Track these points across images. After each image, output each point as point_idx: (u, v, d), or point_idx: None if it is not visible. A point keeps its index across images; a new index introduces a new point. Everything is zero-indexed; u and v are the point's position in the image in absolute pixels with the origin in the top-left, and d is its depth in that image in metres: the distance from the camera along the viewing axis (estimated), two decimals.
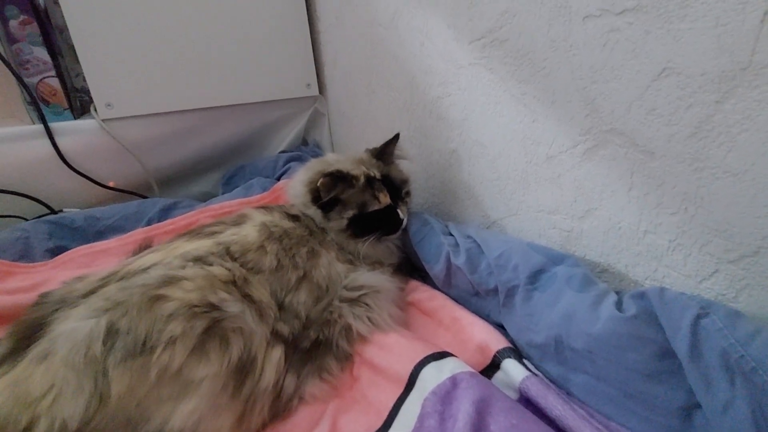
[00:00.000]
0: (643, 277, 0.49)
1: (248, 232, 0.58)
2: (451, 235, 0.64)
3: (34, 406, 0.36)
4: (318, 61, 1.20)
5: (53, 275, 0.73)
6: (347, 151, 0.93)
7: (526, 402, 0.43)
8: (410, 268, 0.72)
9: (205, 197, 1.14)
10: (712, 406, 0.34)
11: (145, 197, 1.08)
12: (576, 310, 0.44)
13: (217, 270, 0.47)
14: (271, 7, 1.10)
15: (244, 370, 0.44)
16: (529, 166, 0.60)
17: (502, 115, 0.62)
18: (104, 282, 0.45)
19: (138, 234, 0.83)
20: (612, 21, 0.45)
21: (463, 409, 0.38)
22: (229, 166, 1.20)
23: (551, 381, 0.46)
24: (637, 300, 0.42)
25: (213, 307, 0.43)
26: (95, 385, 0.37)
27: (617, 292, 0.46)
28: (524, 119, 0.58)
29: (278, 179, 1.12)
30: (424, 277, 0.68)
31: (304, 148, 1.26)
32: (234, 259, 0.52)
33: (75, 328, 0.40)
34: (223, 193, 1.12)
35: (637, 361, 0.39)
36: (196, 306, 0.42)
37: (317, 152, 1.23)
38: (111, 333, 0.39)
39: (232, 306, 0.45)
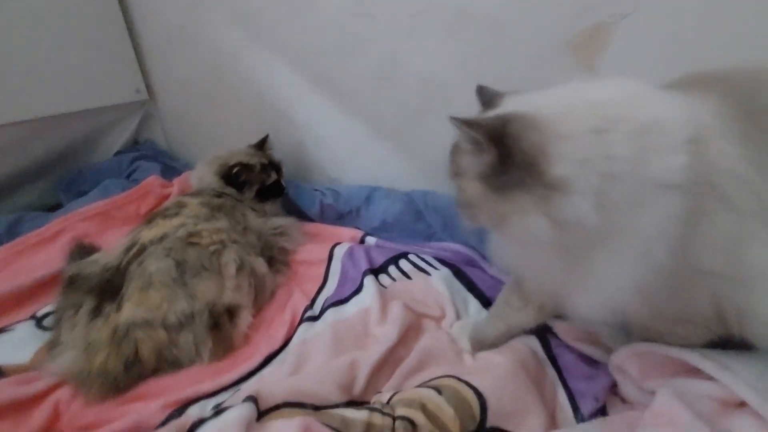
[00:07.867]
0: None
1: (197, 210, 0.86)
2: (316, 190, 1.11)
3: (161, 311, 0.63)
4: (146, 69, 1.31)
5: None
6: (185, 146, 1.24)
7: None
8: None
9: (36, 207, 1.13)
10: None
11: None
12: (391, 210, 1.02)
13: (220, 224, 0.79)
14: (84, 14, 1.15)
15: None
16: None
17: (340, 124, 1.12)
18: (141, 248, 0.70)
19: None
20: None
21: (357, 253, 0.89)
22: (60, 172, 1.19)
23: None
24: None
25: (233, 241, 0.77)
26: (184, 291, 0.67)
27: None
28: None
29: (128, 177, 1.24)
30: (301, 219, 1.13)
31: (140, 147, 1.36)
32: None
33: (158, 266, 0.67)
34: (67, 200, 1.14)
35: None
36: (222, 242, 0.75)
37: (156, 150, 1.37)
38: (179, 264, 0.68)
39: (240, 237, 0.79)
